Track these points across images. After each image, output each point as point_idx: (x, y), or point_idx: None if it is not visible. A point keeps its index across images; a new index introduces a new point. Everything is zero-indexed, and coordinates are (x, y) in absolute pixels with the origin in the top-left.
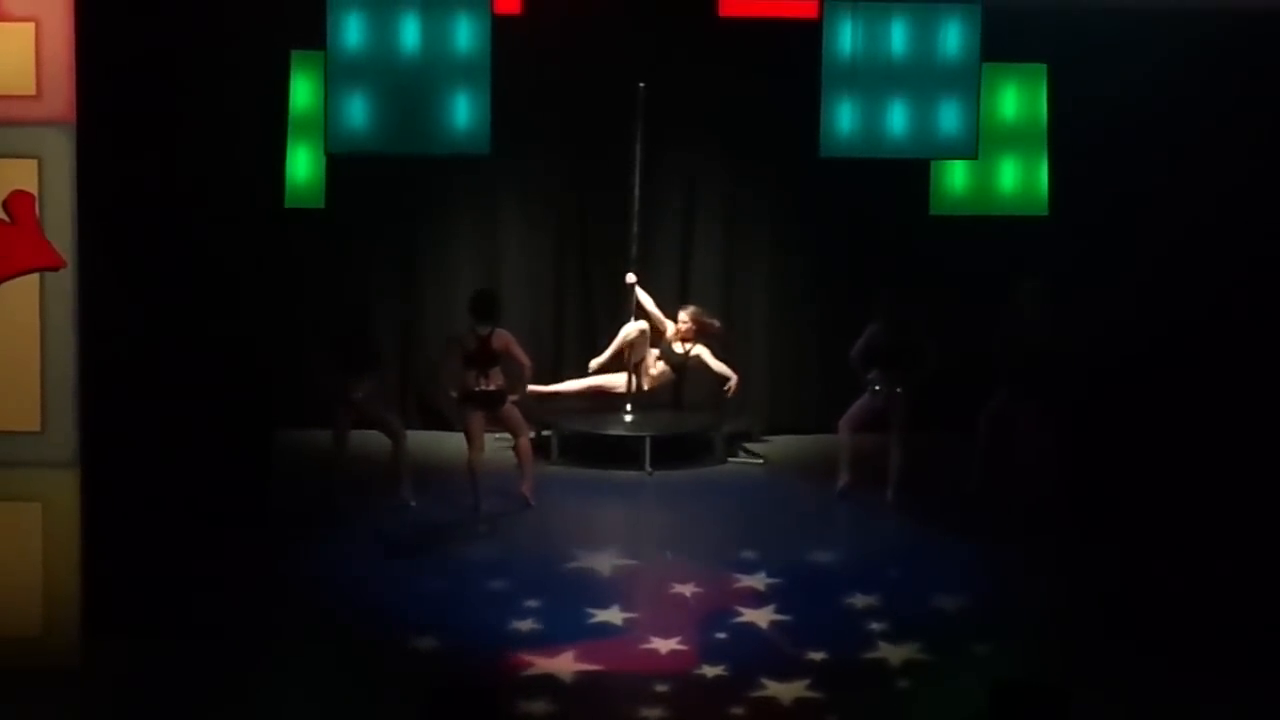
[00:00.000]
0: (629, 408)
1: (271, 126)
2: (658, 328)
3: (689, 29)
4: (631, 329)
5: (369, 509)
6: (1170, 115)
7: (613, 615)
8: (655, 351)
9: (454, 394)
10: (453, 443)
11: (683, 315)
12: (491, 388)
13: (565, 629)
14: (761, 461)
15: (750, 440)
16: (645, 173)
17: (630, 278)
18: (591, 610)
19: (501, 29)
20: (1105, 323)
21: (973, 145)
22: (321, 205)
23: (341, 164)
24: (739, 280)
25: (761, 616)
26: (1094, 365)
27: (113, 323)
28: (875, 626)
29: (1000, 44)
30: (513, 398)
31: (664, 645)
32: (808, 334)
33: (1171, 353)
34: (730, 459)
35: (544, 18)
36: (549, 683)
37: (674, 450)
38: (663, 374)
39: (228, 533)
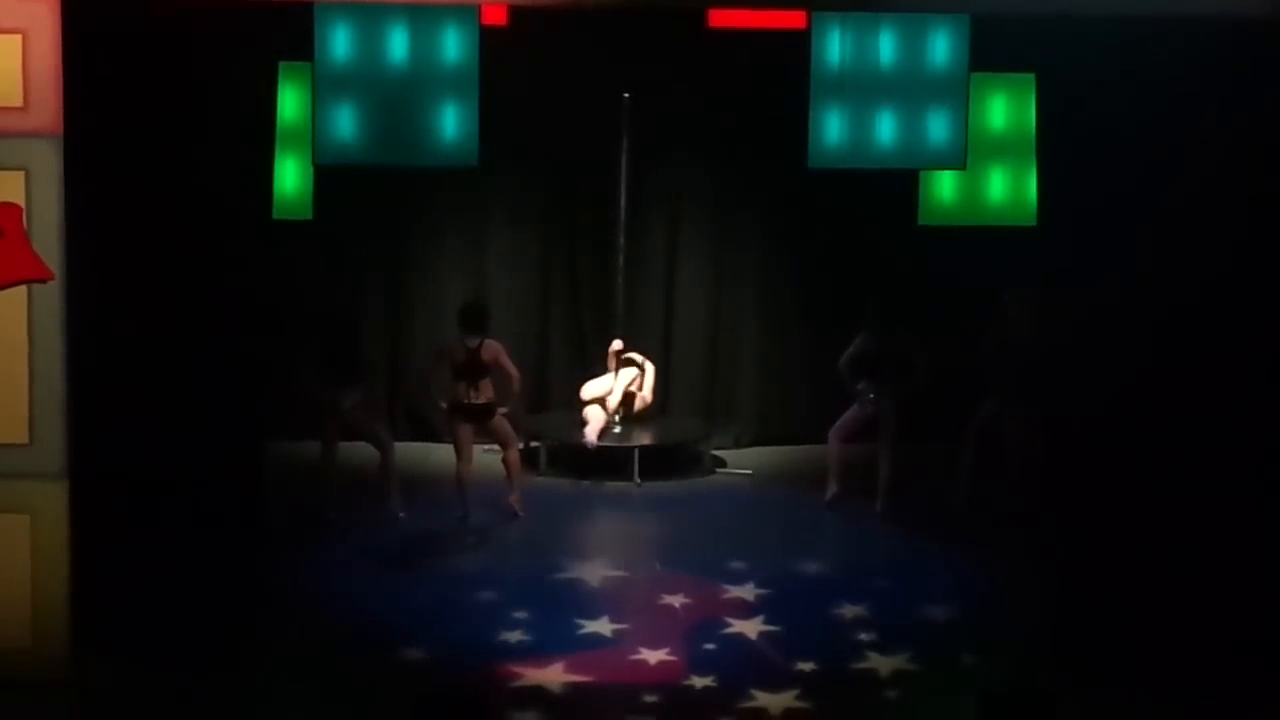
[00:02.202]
0: (618, 418)
1: (259, 138)
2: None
3: (676, 40)
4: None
5: (357, 520)
6: (1159, 125)
7: (602, 626)
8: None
9: (443, 405)
10: (441, 454)
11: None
12: (481, 400)
13: (554, 640)
14: (750, 472)
15: (728, 450)
16: (632, 183)
17: (616, 344)
18: (580, 621)
19: (488, 41)
20: (1094, 332)
21: (961, 155)
22: (309, 217)
23: (329, 175)
24: (727, 290)
25: (750, 627)
26: (1082, 375)
27: (101, 335)
28: (864, 636)
29: (988, 54)
30: (502, 409)
31: (653, 656)
32: (796, 344)
33: (1161, 362)
34: (719, 470)
35: (530, 30)
36: (538, 694)
37: (662, 461)
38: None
39: (216, 545)
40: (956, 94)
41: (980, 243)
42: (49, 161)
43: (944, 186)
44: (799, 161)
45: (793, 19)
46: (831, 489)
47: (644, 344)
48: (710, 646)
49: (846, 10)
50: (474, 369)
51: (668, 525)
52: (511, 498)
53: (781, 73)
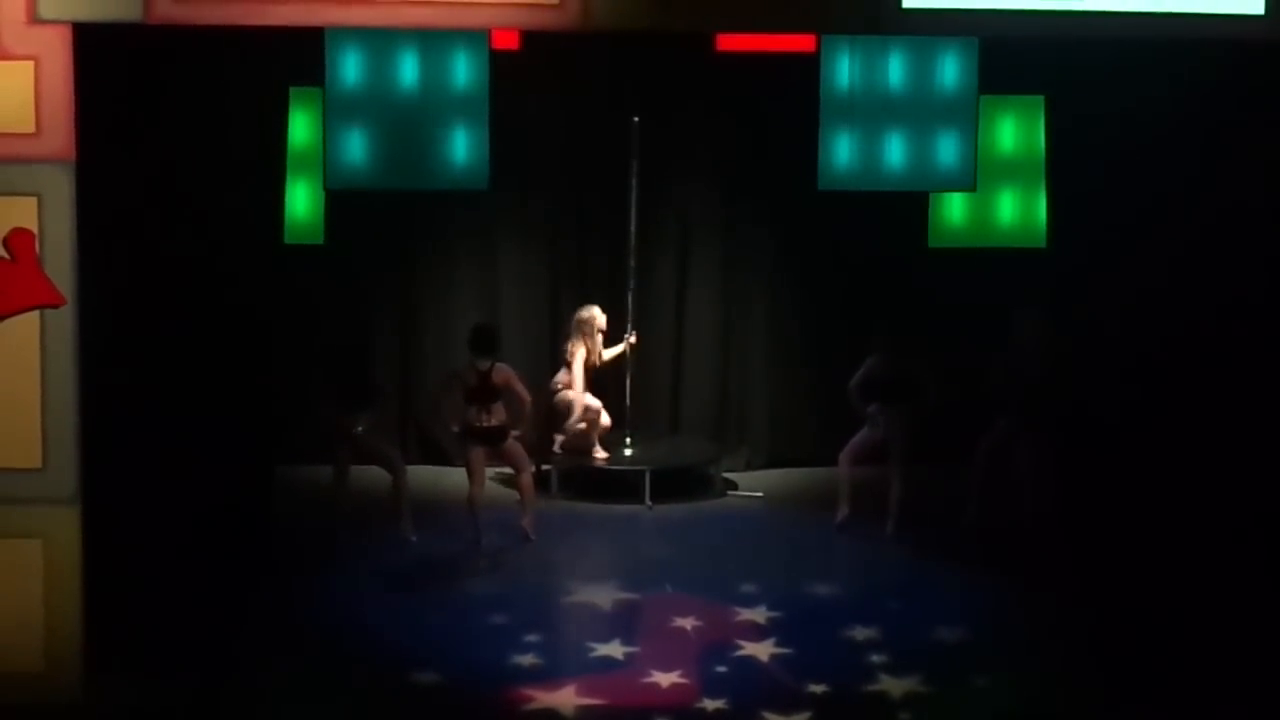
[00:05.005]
0: (629, 440)
1: (270, 163)
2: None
3: (686, 64)
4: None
5: (370, 544)
6: (1168, 146)
7: (614, 649)
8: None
9: (455, 429)
10: (453, 477)
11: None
12: (493, 423)
13: (566, 663)
14: (761, 495)
15: (739, 472)
16: (642, 207)
17: (631, 338)
18: (592, 644)
19: (499, 65)
20: (1103, 353)
21: (971, 178)
22: (321, 241)
23: (341, 200)
24: (737, 313)
25: (762, 649)
26: (1092, 396)
27: (113, 360)
28: (876, 659)
29: (998, 76)
30: (514, 433)
31: (665, 679)
32: (806, 367)
33: (1170, 383)
34: (730, 492)
35: (541, 54)
36: (550, 717)
37: (674, 484)
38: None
39: (228, 569)
40: (966, 116)
41: (990, 265)
42: (61, 187)
43: (954, 209)
44: (809, 184)
45: (802, 42)
46: (842, 511)
47: (654, 363)
48: (722, 669)
49: (856, 33)
50: (486, 392)
51: (679, 548)
52: (523, 521)
53: (791, 96)
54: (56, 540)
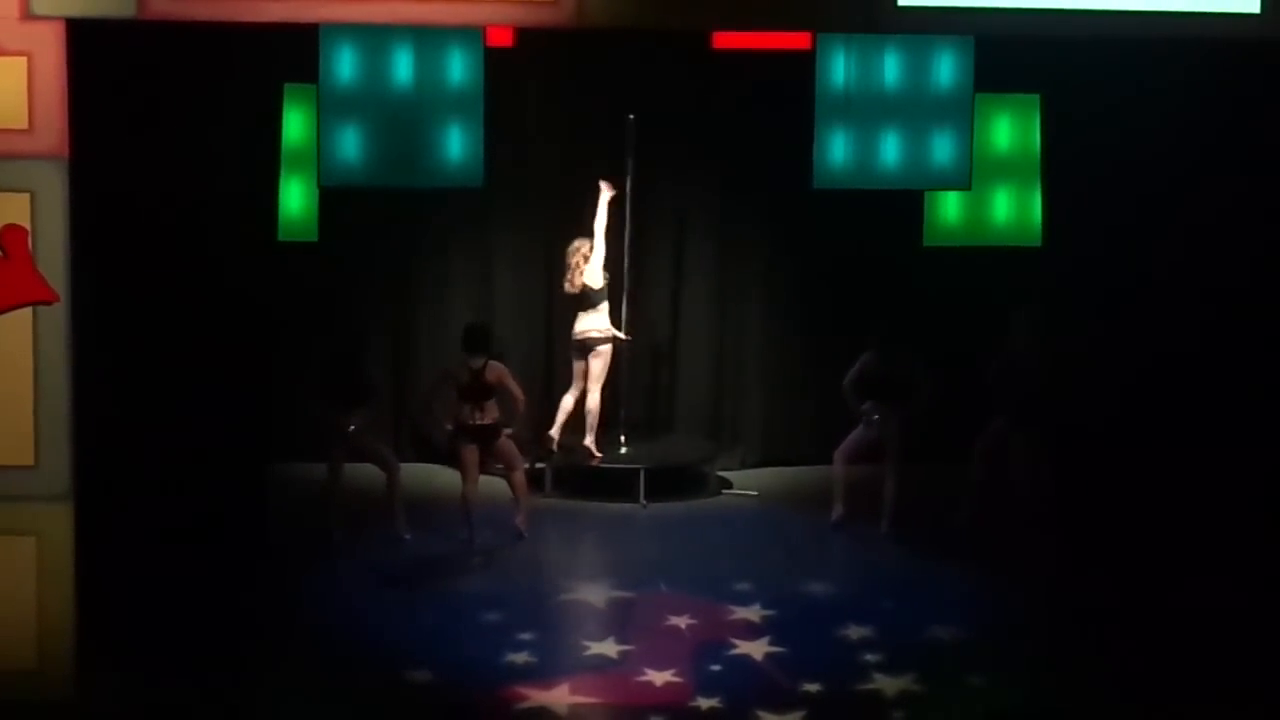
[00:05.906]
0: (623, 439)
1: (264, 160)
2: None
3: (681, 61)
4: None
5: (363, 542)
6: (1163, 145)
7: (608, 647)
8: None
9: (449, 427)
10: (446, 475)
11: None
12: (486, 421)
13: (560, 661)
14: (755, 493)
15: (733, 470)
16: (637, 204)
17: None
18: (586, 642)
19: (494, 62)
20: (1099, 352)
21: (966, 176)
22: (315, 239)
23: (335, 197)
24: (731, 311)
25: (756, 648)
26: (1088, 395)
27: (106, 357)
28: (870, 658)
29: (993, 74)
30: (507, 431)
31: (659, 677)
32: (801, 365)
33: (1165, 381)
34: (725, 491)
35: (536, 51)
36: (544, 715)
37: (668, 482)
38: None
39: (222, 567)
40: (961, 115)
41: (985, 263)
42: (54, 184)
43: (949, 207)
44: (804, 182)
45: (798, 40)
46: (837, 510)
47: (648, 361)
48: (716, 668)
49: (851, 31)
50: (478, 390)
51: (673, 546)
52: (517, 519)
53: (786, 94)
54: (49, 537)
